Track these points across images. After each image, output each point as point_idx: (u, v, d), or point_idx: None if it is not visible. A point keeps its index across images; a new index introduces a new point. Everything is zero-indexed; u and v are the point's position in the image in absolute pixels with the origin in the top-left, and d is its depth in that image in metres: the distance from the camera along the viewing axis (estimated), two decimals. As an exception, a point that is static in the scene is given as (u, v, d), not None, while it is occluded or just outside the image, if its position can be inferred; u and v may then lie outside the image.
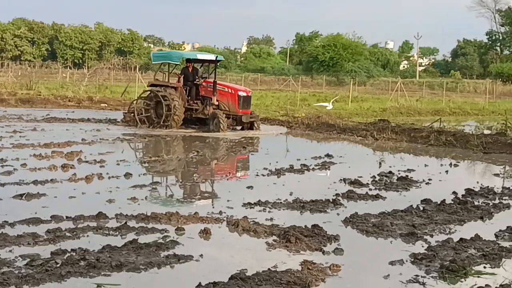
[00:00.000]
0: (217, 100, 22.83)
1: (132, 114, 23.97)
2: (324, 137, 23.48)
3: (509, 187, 13.11)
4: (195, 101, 23.49)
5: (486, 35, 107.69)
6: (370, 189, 12.58)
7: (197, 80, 23.76)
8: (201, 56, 25.38)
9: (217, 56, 24.27)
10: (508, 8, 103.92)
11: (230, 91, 23.11)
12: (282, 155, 18.17)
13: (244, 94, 23.18)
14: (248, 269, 7.01)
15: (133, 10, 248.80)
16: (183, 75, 24.01)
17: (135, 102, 24.77)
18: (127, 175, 12.95)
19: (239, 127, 23.52)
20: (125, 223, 8.93)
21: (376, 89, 70.38)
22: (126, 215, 9.40)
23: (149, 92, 24.05)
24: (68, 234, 8.27)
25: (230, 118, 22.90)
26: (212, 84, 23.03)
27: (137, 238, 8.13)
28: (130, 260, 7.24)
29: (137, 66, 60.04)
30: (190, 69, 24.06)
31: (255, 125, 23.41)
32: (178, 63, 25.03)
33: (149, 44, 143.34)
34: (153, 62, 27.47)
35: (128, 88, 41.65)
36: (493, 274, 7.34)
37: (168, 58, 24.79)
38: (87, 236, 8.30)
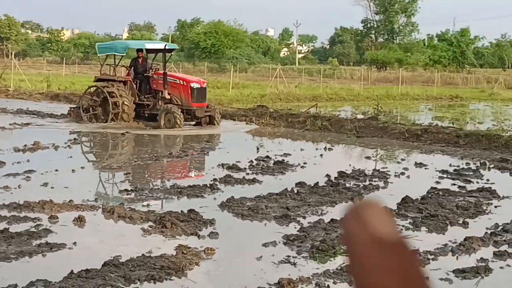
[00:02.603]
0: (168, 94, 20.92)
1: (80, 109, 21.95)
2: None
3: (379, 169, 13.66)
4: (146, 96, 21.51)
5: (362, 23, 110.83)
6: (247, 174, 12.78)
7: (147, 72, 21.70)
8: (150, 45, 23.38)
9: (166, 45, 22.39)
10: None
11: (181, 82, 21.11)
12: (162, 142, 18.18)
13: (198, 85, 21.16)
14: (122, 256, 7.01)
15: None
16: (132, 67, 22.08)
17: (81, 97, 22.78)
18: (0, 163, 12.58)
19: (193, 122, 21.57)
20: (-4, 212, 8.71)
21: (257, 75, 71.08)
22: (-2, 204, 9.17)
23: (95, 87, 22.00)
24: None
25: (184, 113, 20.77)
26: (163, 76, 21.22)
27: (8, 227, 7.96)
28: (1, 249, 7.10)
29: (13, 52, 58.04)
30: (140, 61, 21.95)
31: (216, 120, 21.49)
32: (124, 54, 22.57)
33: (27, 30, 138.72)
34: (98, 55, 24.38)
35: (3, 75, 40.13)
36: (360, 252, 7.66)
37: (113, 50, 22.64)
38: (-45, 227, 8.05)
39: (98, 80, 22.47)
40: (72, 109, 23.16)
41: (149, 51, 22.76)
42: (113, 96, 20.88)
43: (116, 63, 22.84)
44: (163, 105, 20.79)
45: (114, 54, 22.59)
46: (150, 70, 21.82)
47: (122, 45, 23.08)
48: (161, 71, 21.55)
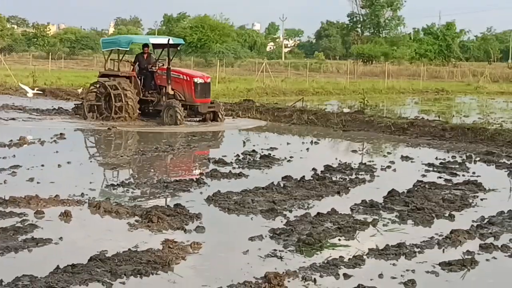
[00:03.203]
0: (172, 89, 20.49)
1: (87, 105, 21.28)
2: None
3: (365, 163, 13.68)
4: (150, 92, 21.15)
5: (348, 17, 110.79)
6: (234, 168, 12.78)
7: (152, 67, 21.33)
8: (154, 40, 22.72)
9: (169, 39, 21.69)
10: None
11: (185, 77, 20.66)
12: (149, 137, 18.12)
13: (201, 80, 20.66)
14: (108, 250, 6.99)
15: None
16: (137, 63, 21.57)
17: (85, 94, 22.00)
18: (-15, 159, 12.52)
19: (197, 119, 21.22)
20: (-19, 208, 8.66)
21: (243, 70, 71.04)
22: (-17, 200, 9.11)
23: (99, 83, 21.34)
24: None
25: (187, 109, 20.48)
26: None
27: (-7, 223, 7.92)
28: (-14, 245, 7.06)
29: (-2, 47, 57.81)
30: (145, 56, 21.61)
31: (219, 116, 21.06)
32: (127, 48, 22.05)
33: (13, 25, 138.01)
34: (102, 50, 23.60)
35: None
36: (347, 246, 7.67)
37: (117, 44, 22.04)
38: None
39: (102, 75, 21.87)
40: (77, 106, 22.67)
41: (156, 46, 22.32)
42: (116, 91, 20.46)
43: (120, 58, 22.34)
44: (166, 101, 20.45)
45: (118, 49, 22.10)
46: (154, 66, 21.40)
47: (126, 39, 22.51)
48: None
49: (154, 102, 20.99)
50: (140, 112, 20.96)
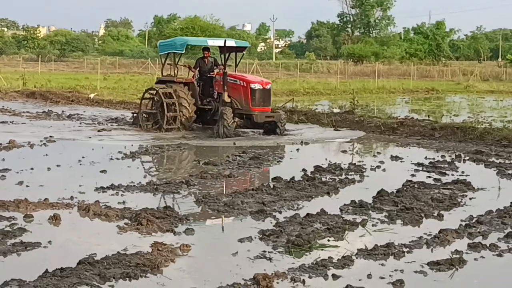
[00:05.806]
0: (229, 96, 18.53)
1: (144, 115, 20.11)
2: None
3: (355, 163, 13.71)
4: (208, 100, 19.48)
5: (338, 17, 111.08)
6: (224, 169, 12.78)
7: (211, 72, 19.67)
8: (212, 42, 20.91)
9: (225, 40, 19.73)
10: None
11: (241, 83, 18.64)
12: (136, 139, 18.09)
13: (259, 86, 18.56)
14: (97, 254, 6.98)
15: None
16: (198, 68, 20.03)
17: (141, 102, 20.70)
18: (-26, 163, 12.49)
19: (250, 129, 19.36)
20: (-30, 212, 8.64)
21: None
22: (-28, 204, 9.09)
23: (154, 90, 20.00)
24: None
25: (244, 118, 18.63)
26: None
27: (-18, 227, 7.91)
28: (-26, 250, 7.04)
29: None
30: (206, 61, 20.05)
31: (279, 127, 18.75)
32: (182, 51, 20.27)
33: (3, 28, 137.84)
34: (160, 53, 22.06)
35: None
36: (336, 246, 7.68)
37: (173, 47, 20.29)
38: None
39: (159, 81, 20.60)
40: (134, 114, 21.22)
41: (220, 49, 20.42)
42: (170, 98, 19.15)
43: (176, 62, 20.86)
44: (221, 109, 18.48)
45: (174, 52, 20.60)
46: (212, 70, 19.77)
47: (181, 41, 20.50)
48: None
49: (212, 111, 19.27)
50: (199, 121, 19.73)
